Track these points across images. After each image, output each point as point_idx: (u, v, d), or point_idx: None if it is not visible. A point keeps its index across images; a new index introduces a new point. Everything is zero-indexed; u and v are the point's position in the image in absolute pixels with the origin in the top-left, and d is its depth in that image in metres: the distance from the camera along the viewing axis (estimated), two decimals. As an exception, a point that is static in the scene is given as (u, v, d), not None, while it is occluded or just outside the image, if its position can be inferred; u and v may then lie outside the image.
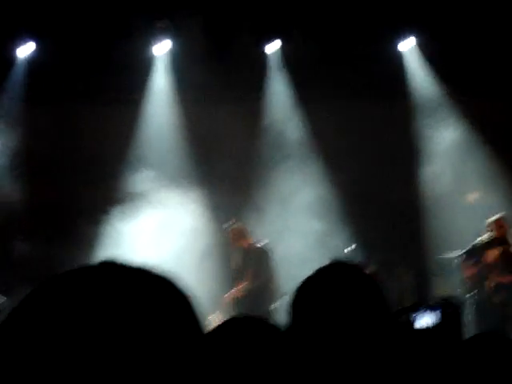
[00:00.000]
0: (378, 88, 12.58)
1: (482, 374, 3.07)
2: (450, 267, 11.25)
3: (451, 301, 2.75)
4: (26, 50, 11.77)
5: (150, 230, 10.85)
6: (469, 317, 10.10)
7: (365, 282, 2.14)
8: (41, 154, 12.47)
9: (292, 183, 11.56)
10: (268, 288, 10.37)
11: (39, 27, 11.12)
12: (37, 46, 11.48)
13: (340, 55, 11.52)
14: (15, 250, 11.93)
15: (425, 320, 2.80)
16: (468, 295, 10.30)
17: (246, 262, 10.48)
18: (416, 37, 11.74)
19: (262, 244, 10.58)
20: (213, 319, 10.25)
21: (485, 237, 10.23)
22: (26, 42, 11.65)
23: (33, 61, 11.78)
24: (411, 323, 2.77)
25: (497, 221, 10.21)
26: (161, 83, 12.24)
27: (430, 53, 11.92)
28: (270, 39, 11.65)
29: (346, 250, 10.36)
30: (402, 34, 11.67)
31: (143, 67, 12.00)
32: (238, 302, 10.10)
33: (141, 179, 11.17)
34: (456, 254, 10.90)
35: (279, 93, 12.34)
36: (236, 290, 10.16)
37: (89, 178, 12.28)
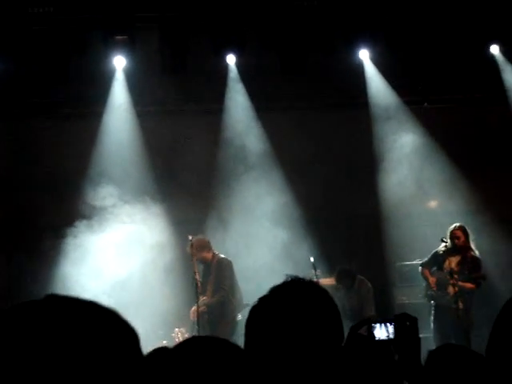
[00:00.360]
0: (337, 97, 12.67)
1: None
2: (411, 275, 11.34)
3: (407, 313, 2.76)
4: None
5: (114, 245, 10.79)
6: (431, 325, 10.19)
7: (319, 300, 2.15)
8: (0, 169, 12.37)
9: (255, 194, 11.57)
10: (229, 300, 10.36)
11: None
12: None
13: (299, 65, 11.55)
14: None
15: (382, 332, 2.82)
16: (429, 303, 10.38)
17: (206, 274, 10.47)
18: (373, 45, 11.82)
19: (223, 256, 10.57)
20: (176, 334, 10.24)
21: (443, 245, 10.32)
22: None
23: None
24: (372, 335, 2.78)
25: (452, 232, 10.29)
26: (120, 96, 12.16)
27: (388, 61, 12.02)
28: (228, 50, 11.65)
29: (311, 259, 10.40)
30: (360, 43, 11.74)
31: (101, 81, 11.92)
32: (200, 315, 10.07)
33: (103, 194, 11.11)
34: (417, 262, 11.00)
35: (240, 104, 12.34)
36: (198, 304, 10.13)
37: (50, 192, 12.19)
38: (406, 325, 2.73)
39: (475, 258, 10.26)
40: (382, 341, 2.77)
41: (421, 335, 2.76)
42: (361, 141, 12.36)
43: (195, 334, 9.89)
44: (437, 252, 10.40)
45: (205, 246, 10.51)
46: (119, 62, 11.69)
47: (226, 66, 12.08)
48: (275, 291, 2.14)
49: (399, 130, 12.30)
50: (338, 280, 10.80)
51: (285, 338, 2.01)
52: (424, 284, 10.52)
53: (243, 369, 1.98)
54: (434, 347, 9.41)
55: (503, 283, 11.43)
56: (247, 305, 9.93)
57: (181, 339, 9.95)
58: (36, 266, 11.32)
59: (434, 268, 10.45)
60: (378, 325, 2.76)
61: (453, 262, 10.14)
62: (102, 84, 11.97)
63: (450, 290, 10.01)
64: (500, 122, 12.50)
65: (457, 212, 11.58)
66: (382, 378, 2.61)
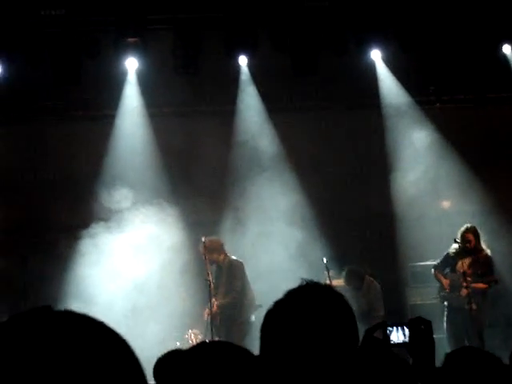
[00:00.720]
0: (350, 98, 12.66)
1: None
2: (424, 275, 11.30)
3: (422, 317, 2.76)
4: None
5: (129, 247, 10.83)
6: (444, 325, 10.16)
7: (335, 305, 2.15)
8: (13, 172, 12.40)
9: (269, 195, 11.58)
10: (241, 302, 10.38)
11: (5, 43, 11.03)
12: (4, 63, 11.33)
13: (311, 66, 11.55)
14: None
15: (397, 336, 2.82)
16: (442, 304, 10.35)
17: (218, 276, 10.48)
18: (385, 46, 11.80)
19: (234, 258, 10.58)
20: (190, 336, 10.26)
21: (456, 246, 10.28)
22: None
23: (0, 79, 11.67)
24: (388, 338, 2.79)
25: (463, 235, 10.22)
26: (133, 99, 12.19)
27: (400, 61, 12.00)
28: (241, 51, 11.65)
29: (324, 260, 10.38)
30: (372, 43, 11.72)
31: (114, 83, 11.96)
32: (214, 317, 10.08)
33: (118, 196, 11.15)
34: (430, 262, 10.95)
35: (252, 106, 12.36)
36: (211, 306, 10.14)
37: (64, 195, 12.23)
38: (421, 328, 2.73)
39: (487, 258, 10.23)
40: (397, 344, 2.78)
41: (434, 336, 2.76)
42: (373, 141, 12.35)
43: (208, 335, 9.91)
44: (448, 254, 10.36)
45: (217, 247, 10.52)
46: (131, 64, 11.72)
47: (238, 68, 12.09)
48: (290, 295, 2.14)
49: (412, 130, 12.28)
50: (346, 281, 10.77)
51: (300, 344, 2.02)
52: (437, 285, 10.49)
53: (251, 373, 1.99)
54: (447, 348, 9.39)
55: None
56: (260, 306, 9.94)
57: (194, 341, 9.98)
58: (51, 269, 11.36)
59: (447, 270, 10.41)
60: (394, 328, 2.77)
61: (465, 263, 10.11)
62: (114, 86, 12.00)
63: (463, 291, 9.98)
64: (513, 121, 12.46)
65: (471, 212, 11.54)
66: (397, 382, 2.61)
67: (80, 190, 11.88)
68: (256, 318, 10.13)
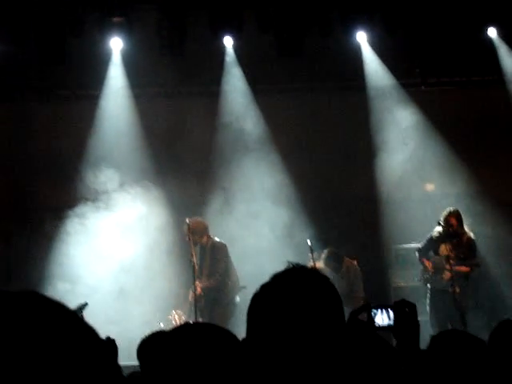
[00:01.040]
0: (335, 79, 12.64)
1: (447, 371, 3.11)
2: (407, 258, 11.35)
3: (406, 300, 2.76)
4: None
5: (116, 227, 10.82)
6: (427, 308, 10.22)
7: (321, 289, 2.15)
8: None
9: (256, 174, 11.58)
10: (224, 284, 10.40)
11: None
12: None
13: (296, 47, 11.50)
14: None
15: (382, 318, 2.82)
16: (425, 286, 10.40)
17: (202, 257, 10.49)
18: (371, 27, 11.77)
19: (217, 240, 10.58)
20: (173, 316, 10.28)
21: (439, 229, 10.30)
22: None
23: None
24: (373, 321, 2.79)
25: (446, 218, 10.22)
26: (117, 79, 12.13)
27: (385, 43, 11.98)
28: (226, 32, 11.59)
29: (308, 241, 10.41)
30: (357, 25, 11.69)
31: (98, 62, 11.88)
32: (197, 299, 10.10)
33: (103, 176, 11.11)
34: (414, 244, 10.99)
35: (237, 87, 12.33)
36: (195, 287, 10.15)
37: (49, 174, 12.18)
38: (405, 311, 2.73)
39: (470, 241, 10.25)
40: (382, 327, 2.78)
41: (418, 319, 2.77)
42: (358, 123, 12.35)
43: (192, 316, 9.94)
44: (432, 237, 10.39)
45: (201, 229, 10.50)
46: (116, 44, 11.64)
47: (223, 49, 12.04)
48: (277, 278, 2.14)
49: (397, 113, 12.28)
50: (326, 263, 10.81)
51: (287, 327, 2.02)
52: (421, 267, 10.52)
53: (233, 354, 2.00)
54: (430, 331, 9.41)
55: (502, 267, 11.47)
56: (244, 287, 9.97)
57: (178, 321, 10.01)
58: (37, 248, 11.33)
59: (431, 252, 10.45)
60: (378, 311, 2.77)
61: (448, 247, 10.14)
62: (99, 66, 11.92)
63: (447, 274, 10.02)
64: (498, 104, 12.48)
65: (456, 195, 11.59)
66: (382, 364, 2.62)
67: (66, 169, 11.82)
68: (241, 299, 10.18)
